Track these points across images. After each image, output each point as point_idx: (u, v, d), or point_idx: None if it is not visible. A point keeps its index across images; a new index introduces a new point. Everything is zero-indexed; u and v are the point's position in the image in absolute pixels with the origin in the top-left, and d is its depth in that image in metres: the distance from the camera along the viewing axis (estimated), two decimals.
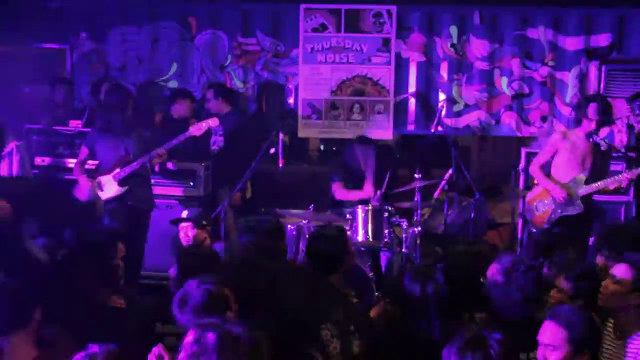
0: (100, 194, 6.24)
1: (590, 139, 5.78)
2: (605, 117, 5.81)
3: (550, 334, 2.89)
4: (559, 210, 5.89)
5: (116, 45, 8.18)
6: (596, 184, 5.75)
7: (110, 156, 6.28)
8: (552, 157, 6.00)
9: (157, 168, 6.38)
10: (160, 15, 8.14)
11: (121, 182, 6.20)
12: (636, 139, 7.10)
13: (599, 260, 3.96)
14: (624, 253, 3.74)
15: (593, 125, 5.74)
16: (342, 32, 8.06)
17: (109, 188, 6.23)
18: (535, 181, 6.29)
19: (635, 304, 3.26)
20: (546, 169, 6.07)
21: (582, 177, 5.83)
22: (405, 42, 8.07)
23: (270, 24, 8.14)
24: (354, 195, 6.47)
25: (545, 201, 5.99)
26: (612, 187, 5.77)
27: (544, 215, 6.01)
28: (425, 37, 8.03)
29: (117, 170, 6.18)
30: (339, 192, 6.58)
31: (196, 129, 6.23)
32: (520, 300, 3.32)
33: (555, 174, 5.98)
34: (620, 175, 5.72)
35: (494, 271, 3.48)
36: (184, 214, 5.43)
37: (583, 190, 5.81)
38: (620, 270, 3.31)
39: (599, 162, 5.86)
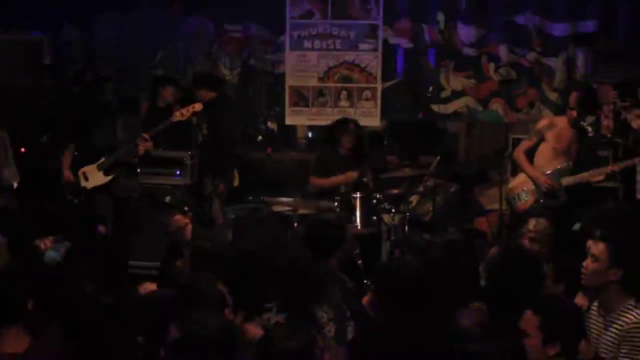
0: (85, 184, 6.17)
1: (575, 127, 5.74)
2: (587, 107, 5.78)
3: (526, 319, 2.93)
4: (542, 200, 5.81)
5: (100, 33, 8.10)
6: (580, 176, 5.70)
7: (94, 146, 6.22)
8: (538, 143, 5.95)
9: (141, 153, 6.30)
10: (145, 1, 8.05)
11: (106, 172, 6.14)
12: (622, 125, 7.10)
13: (590, 243, 3.96)
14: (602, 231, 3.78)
15: (574, 114, 5.72)
16: (329, 19, 8.01)
17: (94, 178, 6.16)
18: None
19: (614, 280, 3.26)
20: (531, 155, 5.99)
21: (567, 167, 5.78)
22: (393, 29, 8.04)
23: (256, 11, 8.08)
24: (334, 180, 6.34)
25: (527, 189, 5.89)
26: (594, 180, 5.75)
27: (526, 204, 5.91)
28: (413, 24, 8.00)
29: (102, 159, 6.12)
30: (315, 183, 6.44)
31: (180, 114, 6.19)
32: (520, 284, 3.34)
33: (540, 162, 5.91)
34: (603, 169, 5.70)
35: (494, 254, 3.51)
36: (167, 199, 5.39)
37: (567, 181, 5.75)
38: (597, 248, 3.34)
39: (584, 151, 5.84)
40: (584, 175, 5.72)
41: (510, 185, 6.14)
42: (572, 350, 2.88)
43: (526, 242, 4.40)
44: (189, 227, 5.15)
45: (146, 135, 6.07)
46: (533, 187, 5.88)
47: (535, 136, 5.97)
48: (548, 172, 5.82)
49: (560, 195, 5.76)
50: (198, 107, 6.28)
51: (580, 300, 3.55)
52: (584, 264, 3.38)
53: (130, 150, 6.13)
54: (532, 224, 4.74)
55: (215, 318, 2.83)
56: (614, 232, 3.48)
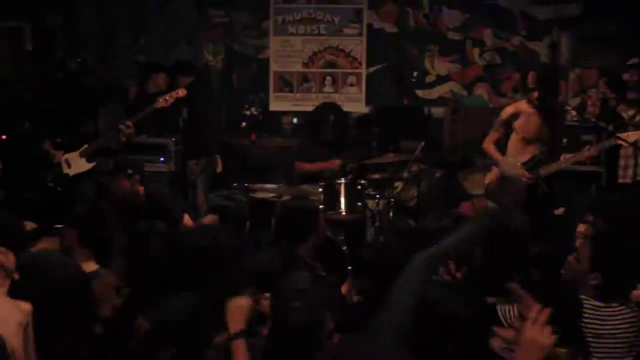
0: (68, 171, 6.13)
1: (540, 109, 5.46)
2: (546, 85, 5.54)
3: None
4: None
5: (82, 19, 8.01)
6: (556, 164, 5.49)
7: (77, 132, 6.18)
8: (506, 134, 5.67)
9: (123, 140, 6.25)
10: None
11: (89, 159, 6.10)
12: (609, 112, 7.10)
13: (581, 228, 3.93)
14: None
15: (536, 94, 5.48)
16: (313, 3, 7.95)
17: (77, 164, 6.12)
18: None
19: (593, 284, 3.15)
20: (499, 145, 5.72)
21: (541, 155, 5.54)
22: (377, 13, 8.00)
23: None
24: (317, 165, 6.33)
25: None
26: (571, 163, 5.53)
27: None
28: (397, 8, 7.97)
29: (85, 146, 6.08)
30: (300, 167, 6.41)
31: (163, 100, 6.14)
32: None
33: (513, 153, 5.64)
34: (579, 153, 5.45)
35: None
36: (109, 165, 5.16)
37: (545, 170, 5.51)
38: (583, 251, 3.23)
39: (553, 134, 5.65)
40: (561, 163, 5.51)
41: (486, 181, 5.90)
42: (571, 341, 2.81)
43: None
44: (139, 189, 4.84)
45: (129, 122, 6.04)
46: None
47: (501, 127, 5.71)
48: (522, 163, 5.57)
49: (540, 187, 5.52)
50: (182, 92, 6.23)
51: None
52: (569, 257, 3.31)
53: (112, 136, 6.09)
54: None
55: (182, 301, 2.76)
56: (601, 238, 3.42)
